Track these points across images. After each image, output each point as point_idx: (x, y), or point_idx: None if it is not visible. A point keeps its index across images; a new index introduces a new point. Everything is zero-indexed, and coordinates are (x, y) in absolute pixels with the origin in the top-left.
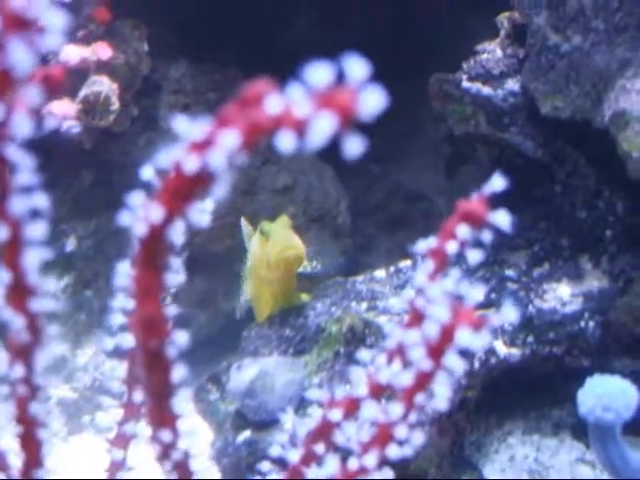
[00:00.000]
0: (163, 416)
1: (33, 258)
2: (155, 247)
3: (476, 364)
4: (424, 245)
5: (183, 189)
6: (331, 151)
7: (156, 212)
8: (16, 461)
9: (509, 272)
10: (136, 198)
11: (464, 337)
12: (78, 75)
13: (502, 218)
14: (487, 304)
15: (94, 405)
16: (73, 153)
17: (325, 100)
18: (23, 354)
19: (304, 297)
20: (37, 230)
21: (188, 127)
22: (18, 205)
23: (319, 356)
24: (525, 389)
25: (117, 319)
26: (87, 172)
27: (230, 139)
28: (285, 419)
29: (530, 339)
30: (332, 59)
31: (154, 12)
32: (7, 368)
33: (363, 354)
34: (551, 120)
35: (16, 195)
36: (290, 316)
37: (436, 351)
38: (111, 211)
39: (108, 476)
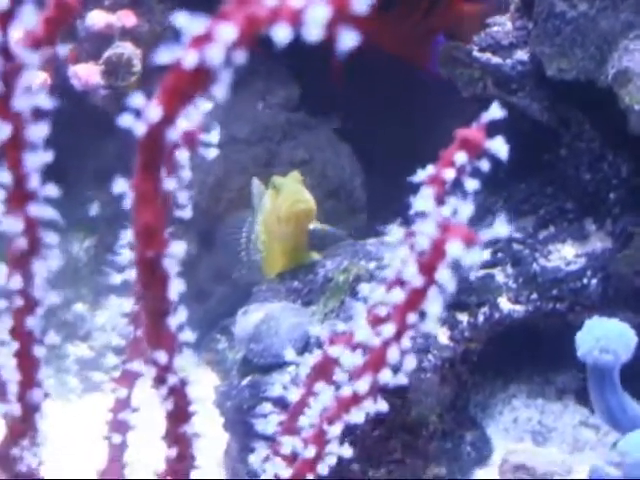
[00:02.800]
0: (159, 335)
1: (35, 161)
2: (153, 149)
3: (480, 318)
4: (423, 174)
5: (182, 86)
6: None
7: (154, 111)
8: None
9: (515, 234)
10: (137, 99)
11: (455, 250)
12: (104, 41)
13: (499, 145)
14: (493, 263)
15: (110, 365)
16: (98, 120)
17: None
18: (21, 263)
19: (314, 255)
20: (39, 131)
21: (187, 22)
22: (21, 104)
23: (325, 306)
24: (530, 354)
25: (125, 255)
26: (111, 140)
27: (228, 33)
28: (288, 356)
29: (534, 296)
30: None
31: None
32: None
33: (363, 288)
34: (557, 84)
35: (19, 94)
36: (300, 272)
37: (427, 267)
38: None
39: (111, 417)
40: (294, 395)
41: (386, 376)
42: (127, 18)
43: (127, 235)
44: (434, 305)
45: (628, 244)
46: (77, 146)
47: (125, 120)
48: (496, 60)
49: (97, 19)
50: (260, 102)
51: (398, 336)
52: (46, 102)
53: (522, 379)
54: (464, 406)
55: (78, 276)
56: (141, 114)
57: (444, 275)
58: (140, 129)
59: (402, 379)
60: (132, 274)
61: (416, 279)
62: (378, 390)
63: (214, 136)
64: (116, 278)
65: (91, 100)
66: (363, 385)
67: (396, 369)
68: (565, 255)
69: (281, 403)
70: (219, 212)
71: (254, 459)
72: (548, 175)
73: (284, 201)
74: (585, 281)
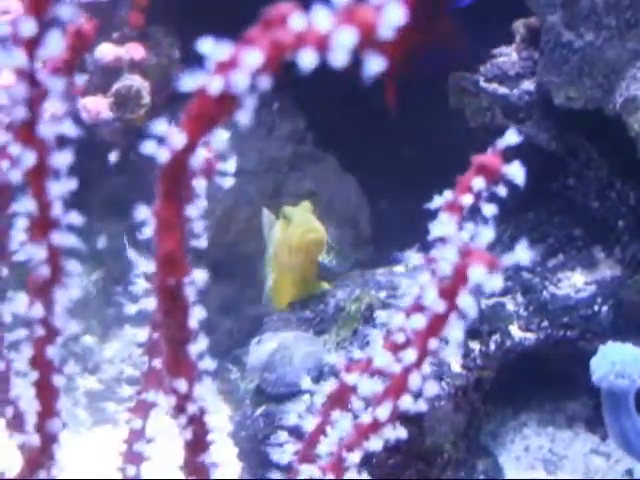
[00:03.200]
0: (179, 364)
1: (58, 189)
2: (177, 176)
3: (492, 346)
4: (440, 200)
5: (207, 112)
6: None
7: (179, 138)
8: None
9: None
10: (160, 126)
11: (478, 275)
12: (112, 74)
13: (516, 170)
14: (503, 291)
15: (119, 397)
16: (106, 153)
17: (346, 16)
18: (42, 292)
19: (324, 285)
20: (63, 159)
21: (212, 49)
22: (45, 131)
23: (337, 335)
24: (540, 382)
25: (140, 285)
26: (119, 173)
27: (254, 58)
28: (304, 384)
29: (545, 324)
30: None
31: (186, 20)
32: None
33: (380, 315)
34: (564, 113)
35: (44, 122)
36: (311, 302)
37: (449, 292)
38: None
39: (126, 447)
40: (310, 424)
41: (407, 402)
42: (136, 51)
43: (142, 264)
44: (455, 331)
45: (638, 270)
46: (85, 178)
47: (148, 148)
48: (503, 90)
49: (106, 52)
50: (267, 134)
51: (419, 362)
52: (70, 130)
53: (532, 407)
54: (476, 435)
55: (87, 308)
56: (159, 142)
57: (466, 300)
58: (163, 156)
59: (421, 405)
60: (146, 304)
61: (437, 304)
62: (397, 417)
63: (231, 165)
64: (131, 308)
65: (99, 133)
66: (383, 412)
67: (414, 396)
68: (575, 282)
69: (296, 432)
70: (227, 243)
71: None
72: (556, 204)
73: (295, 231)
74: (596, 308)
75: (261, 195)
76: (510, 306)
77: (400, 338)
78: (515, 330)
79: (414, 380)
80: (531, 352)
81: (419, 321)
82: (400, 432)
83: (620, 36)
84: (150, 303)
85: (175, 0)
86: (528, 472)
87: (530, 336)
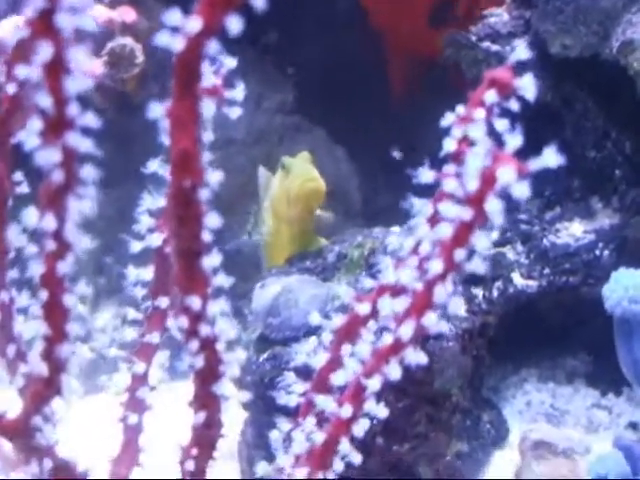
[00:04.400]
0: (192, 278)
1: (76, 85)
2: (192, 67)
3: (495, 293)
4: (451, 117)
5: None
6: None
7: (194, 23)
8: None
9: (521, 216)
10: (174, 16)
11: (507, 176)
12: (104, 37)
13: (528, 83)
14: (502, 242)
15: (111, 366)
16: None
17: None
18: (54, 201)
19: (322, 241)
20: (80, 55)
21: None
22: (64, 22)
23: (340, 281)
24: (540, 338)
25: (144, 222)
26: (107, 142)
27: None
28: (312, 320)
29: (546, 271)
30: None
31: None
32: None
33: (392, 239)
34: (560, 64)
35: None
36: (309, 256)
37: (476, 197)
38: (131, 181)
39: (128, 394)
40: (320, 360)
41: (431, 319)
42: (127, 13)
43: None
44: (482, 240)
45: None
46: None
47: (161, 39)
48: (496, 47)
49: (99, 13)
50: (255, 106)
51: (444, 274)
52: (90, 23)
53: (532, 364)
54: (480, 385)
55: (78, 276)
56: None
57: (494, 205)
58: (178, 44)
59: (443, 326)
60: (151, 240)
61: (464, 213)
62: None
63: (239, 92)
64: (135, 246)
65: (92, 98)
66: (406, 330)
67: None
68: (574, 232)
69: (305, 374)
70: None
71: (275, 436)
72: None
73: (294, 180)
74: (597, 252)
75: (252, 165)
76: (510, 255)
77: (413, 262)
78: (517, 278)
79: (439, 294)
80: (533, 302)
81: (445, 230)
82: (420, 357)
83: None
84: (155, 239)
85: None
86: (532, 425)
87: (532, 283)
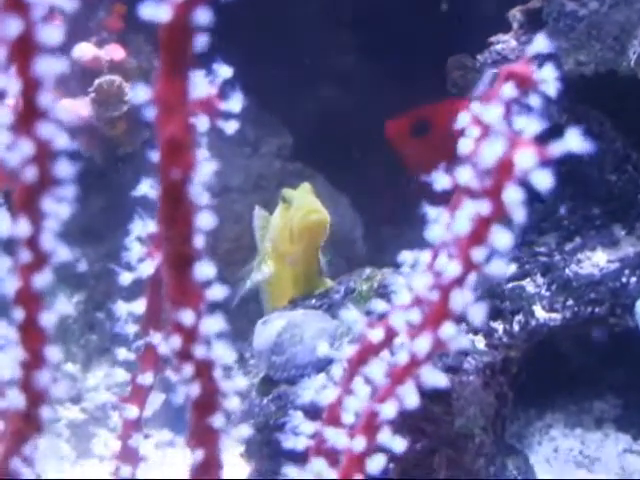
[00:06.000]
0: (183, 290)
1: (46, 67)
2: (180, 43)
3: (515, 327)
4: (467, 115)
5: None
6: None
7: None
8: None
9: (540, 249)
10: None
11: (527, 161)
12: (91, 76)
13: (548, 75)
14: (521, 275)
15: (104, 427)
16: (83, 173)
17: None
18: (28, 203)
19: (328, 283)
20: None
21: None
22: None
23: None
24: (564, 381)
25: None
26: (97, 194)
27: None
28: (320, 350)
29: (570, 302)
30: None
31: None
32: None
33: (406, 255)
34: (574, 84)
35: None
36: (314, 297)
37: (494, 188)
38: (120, 236)
39: (119, 437)
40: (329, 396)
41: (449, 331)
42: (115, 51)
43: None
44: (502, 238)
45: None
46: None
47: (147, 11)
48: None
49: (85, 51)
50: (252, 151)
51: (462, 278)
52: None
53: (557, 408)
54: (503, 427)
55: (68, 334)
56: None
57: (514, 194)
58: (164, 14)
59: (463, 341)
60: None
61: (481, 206)
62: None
63: (236, 104)
64: (125, 277)
65: (77, 142)
66: (422, 344)
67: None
68: (597, 261)
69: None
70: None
71: None
72: (570, 183)
73: (296, 212)
74: (624, 280)
75: (249, 213)
76: (530, 288)
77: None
78: (539, 311)
79: (457, 301)
80: (556, 337)
81: (463, 226)
82: (439, 378)
83: (626, 1)
84: (146, 268)
85: None
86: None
87: (555, 316)
